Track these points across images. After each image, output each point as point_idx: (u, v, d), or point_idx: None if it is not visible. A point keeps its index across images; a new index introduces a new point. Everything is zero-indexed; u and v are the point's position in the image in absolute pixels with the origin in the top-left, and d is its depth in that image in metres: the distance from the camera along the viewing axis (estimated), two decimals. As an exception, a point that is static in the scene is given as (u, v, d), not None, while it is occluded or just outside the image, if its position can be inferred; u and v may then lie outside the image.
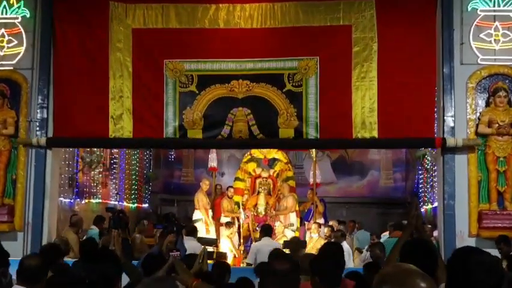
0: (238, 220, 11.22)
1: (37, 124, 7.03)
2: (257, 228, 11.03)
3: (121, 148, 11.84)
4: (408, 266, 1.80)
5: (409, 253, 2.95)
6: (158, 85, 6.28)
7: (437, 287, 2.61)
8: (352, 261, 9.26)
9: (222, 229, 10.36)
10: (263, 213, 11.26)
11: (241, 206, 11.29)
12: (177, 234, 5.18)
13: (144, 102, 6.36)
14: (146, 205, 15.64)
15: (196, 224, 10.62)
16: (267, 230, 8.56)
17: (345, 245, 9.24)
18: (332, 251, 3.30)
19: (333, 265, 3.11)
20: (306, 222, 11.63)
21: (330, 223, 11.63)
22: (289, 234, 10.27)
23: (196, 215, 10.87)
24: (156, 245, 5.32)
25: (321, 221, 11.63)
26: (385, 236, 10.02)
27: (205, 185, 11.12)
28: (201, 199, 10.87)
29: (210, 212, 10.98)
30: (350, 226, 12.38)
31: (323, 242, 9.77)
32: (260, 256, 7.19)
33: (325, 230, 10.75)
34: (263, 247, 7.52)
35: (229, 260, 9.00)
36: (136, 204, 14.72)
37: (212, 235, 10.47)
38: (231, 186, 11.67)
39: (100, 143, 6.79)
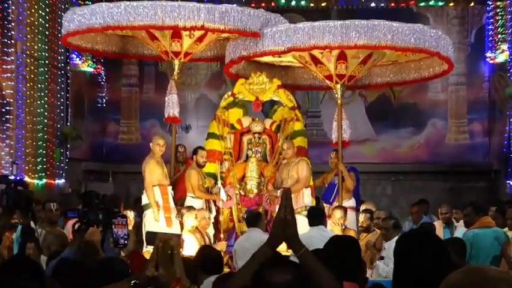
0: (215, 204, 11.25)
1: None
2: (245, 217, 11.03)
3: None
4: (488, 271, 1.92)
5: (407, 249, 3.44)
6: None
7: None
8: None
9: (185, 219, 10.29)
10: (255, 191, 11.33)
11: (220, 181, 11.29)
12: (105, 228, 5.15)
13: None
14: (61, 181, 15.76)
15: (148, 212, 10.64)
16: (320, 214, 9.03)
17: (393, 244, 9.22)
18: None
19: None
20: (326, 206, 11.65)
21: (364, 207, 11.59)
22: (303, 222, 10.13)
23: (147, 196, 10.86)
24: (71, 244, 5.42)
25: (350, 202, 11.75)
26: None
27: (158, 146, 11.05)
28: (153, 170, 10.85)
29: (171, 191, 11.01)
30: (415, 212, 12.34)
31: (353, 234, 9.78)
32: None
33: (361, 218, 10.71)
34: (313, 240, 7.59)
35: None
36: (44, 180, 14.76)
37: (176, 228, 10.50)
38: (202, 148, 11.64)
39: None
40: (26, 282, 3.35)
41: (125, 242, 4.54)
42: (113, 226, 4.52)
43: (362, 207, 11.58)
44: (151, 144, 11.17)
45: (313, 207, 10.20)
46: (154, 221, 10.60)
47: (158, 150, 11.02)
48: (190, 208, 10.25)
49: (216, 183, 11.42)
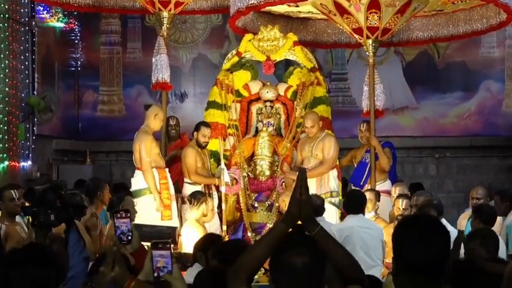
0: (218, 189, 11.29)
1: None
2: (255, 205, 11.07)
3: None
4: None
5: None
6: None
7: None
8: None
9: (185, 209, 10.49)
10: (267, 173, 11.46)
11: (223, 161, 11.31)
12: (69, 227, 5.41)
13: None
14: (28, 163, 15.81)
15: (141, 199, 10.69)
16: (361, 200, 9.26)
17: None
18: None
19: None
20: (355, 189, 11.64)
21: (397, 190, 11.47)
22: (330, 210, 10.31)
23: (139, 180, 10.96)
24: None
25: (385, 185, 11.93)
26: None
27: (159, 120, 11.15)
28: (151, 149, 10.91)
29: (168, 175, 11.12)
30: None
31: (389, 228, 9.77)
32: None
33: (402, 204, 10.65)
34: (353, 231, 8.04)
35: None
36: (6, 162, 14.81)
37: (174, 220, 10.67)
38: (206, 124, 11.63)
39: None
40: (39, 271, 3.81)
41: (129, 237, 4.63)
42: (115, 220, 4.64)
43: (395, 191, 11.40)
44: (147, 115, 11.20)
45: (353, 192, 10.46)
46: (151, 211, 10.65)
47: (158, 123, 11.03)
48: (199, 194, 10.30)
49: (218, 164, 11.41)
